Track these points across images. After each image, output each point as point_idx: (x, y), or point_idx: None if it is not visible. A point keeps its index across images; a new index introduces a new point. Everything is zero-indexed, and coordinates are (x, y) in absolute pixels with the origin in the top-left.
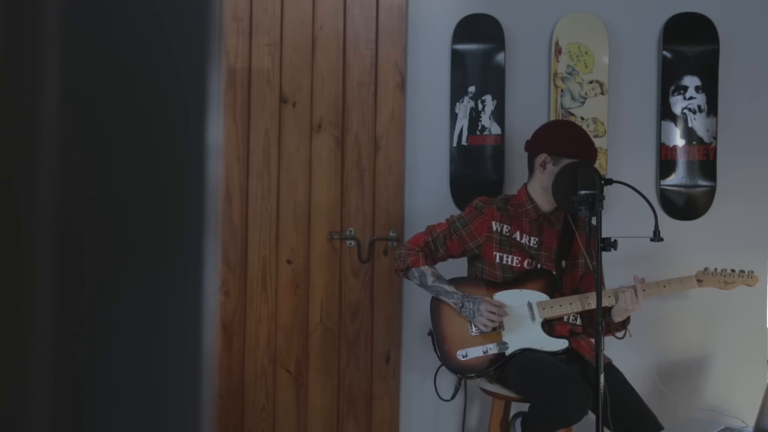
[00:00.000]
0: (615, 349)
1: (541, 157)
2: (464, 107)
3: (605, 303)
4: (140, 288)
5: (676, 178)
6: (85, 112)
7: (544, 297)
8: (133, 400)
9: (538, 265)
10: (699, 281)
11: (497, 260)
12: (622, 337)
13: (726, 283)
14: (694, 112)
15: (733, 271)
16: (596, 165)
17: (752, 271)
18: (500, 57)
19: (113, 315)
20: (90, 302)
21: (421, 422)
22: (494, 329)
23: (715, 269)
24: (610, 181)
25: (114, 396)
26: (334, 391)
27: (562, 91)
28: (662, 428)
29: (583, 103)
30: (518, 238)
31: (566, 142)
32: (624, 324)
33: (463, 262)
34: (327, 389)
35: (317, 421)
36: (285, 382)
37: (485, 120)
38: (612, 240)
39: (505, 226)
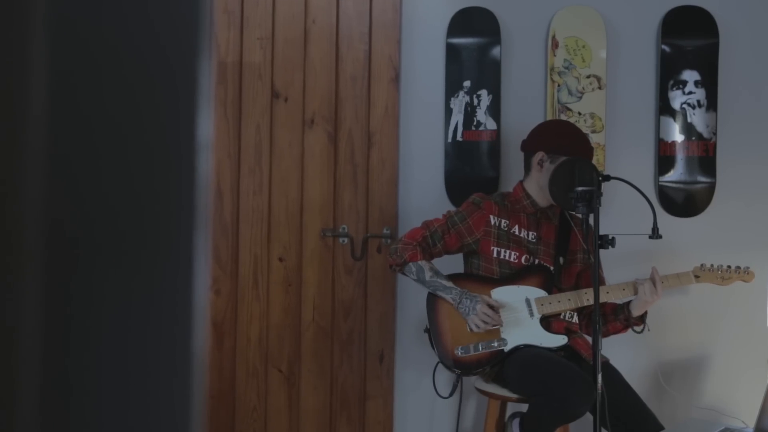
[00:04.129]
0: (613, 349)
1: (539, 155)
2: (459, 102)
3: (621, 297)
4: (129, 286)
5: (675, 174)
6: (73, 106)
7: (542, 293)
8: (122, 400)
9: (536, 261)
10: (696, 277)
11: (495, 255)
12: (641, 332)
13: (723, 279)
14: (694, 107)
15: (729, 267)
16: (594, 161)
17: (748, 267)
18: (496, 51)
19: (101, 314)
20: (78, 300)
21: (416, 423)
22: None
23: (712, 265)
24: (607, 178)
25: (103, 396)
26: (326, 391)
27: (558, 85)
28: (662, 428)
29: (581, 98)
30: (517, 232)
31: (564, 141)
32: (642, 318)
33: (459, 258)
34: (319, 389)
35: (310, 421)
36: (277, 382)
37: (481, 115)
38: (610, 237)
39: (503, 221)
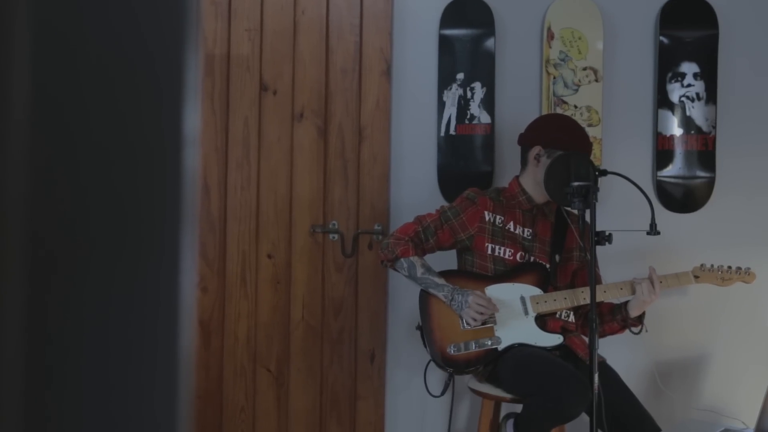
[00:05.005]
0: (609, 348)
1: (536, 150)
2: (452, 95)
3: (619, 296)
4: (114, 284)
5: (674, 168)
6: (55, 99)
7: (537, 291)
8: (108, 401)
9: (531, 258)
10: (696, 277)
11: (489, 252)
12: (638, 332)
13: (723, 280)
14: (693, 100)
15: (729, 267)
16: (590, 156)
17: (749, 268)
18: (490, 43)
19: (85, 313)
20: (61, 299)
21: (407, 423)
22: (485, 323)
23: (712, 265)
24: (604, 172)
25: (87, 398)
26: (316, 391)
27: (554, 78)
28: (660, 430)
29: (577, 90)
30: (512, 229)
31: (562, 136)
32: (640, 319)
33: (452, 255)
34: (309, 389)
35: (299, 422)
36: (265, 382)
37: (474, 108)
38: (606, 234)
39: (498, 217)
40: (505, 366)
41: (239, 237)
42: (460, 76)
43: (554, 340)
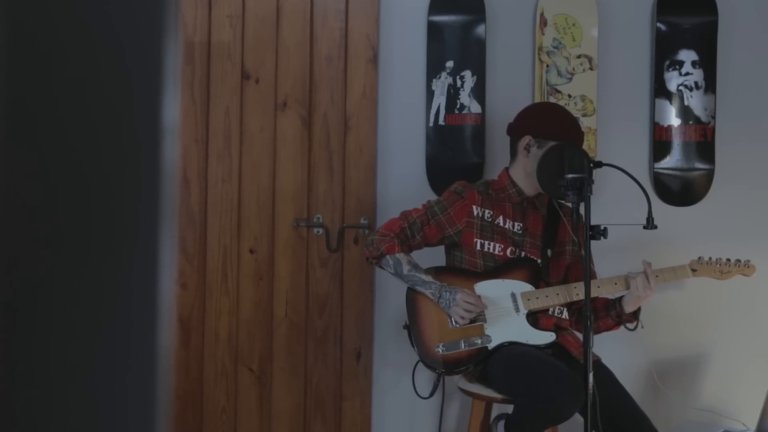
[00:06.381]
0: (604, 346)
1: (525, 140)
2: (442, 84)
3: (613, 291)
4: (90, 280)
5: (671, 160)
6: (26, 93)
7: (528, 287)
8: (82, 402)
9: (522, 254)
10: (693, 270)
11: (478, 247)
12: (634, 329)
13: (722, 273)
14: (691, 89)
15: (728, 260)
16: (585, 146)
17: (749, 261)
18: (481, 29)
19: (58, 310)
20: (33, 296)
21: (395, 424)
22: (475, 321)
23: (710, 258)
24: (599, 164)
25: (60, 398)
26: (300, 391)
27: (547, 66)
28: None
29: (571, 79)
30: (501, 224)
31: (553, 124)
32: (635, 314)
33: (441, 251)
34: (293, 389)
35: (282, 423)
36: (247, 382)
37: (464, 98)
38: (601, 228)
39: (486, 211)
40: (495, 365)
41: (220, 231)
42: (450, 64)
43: (546, 338)
